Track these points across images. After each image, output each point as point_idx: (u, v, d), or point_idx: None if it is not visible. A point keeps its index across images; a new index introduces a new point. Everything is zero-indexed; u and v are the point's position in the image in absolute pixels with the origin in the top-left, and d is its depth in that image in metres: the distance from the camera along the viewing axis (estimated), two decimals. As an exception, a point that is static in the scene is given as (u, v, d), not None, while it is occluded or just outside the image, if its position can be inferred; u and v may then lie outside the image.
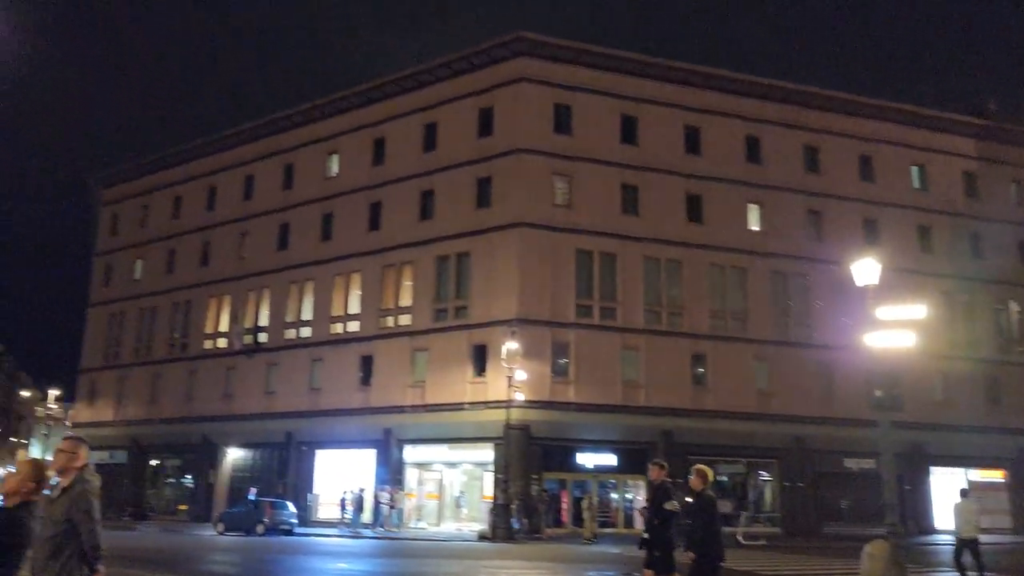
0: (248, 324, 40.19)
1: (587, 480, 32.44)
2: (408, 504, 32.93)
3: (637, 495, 32.48)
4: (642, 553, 9.26)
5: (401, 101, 37.32)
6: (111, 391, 45.95)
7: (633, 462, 31.53)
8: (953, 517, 15.51)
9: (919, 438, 33.63)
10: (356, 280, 37.13)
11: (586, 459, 32.48)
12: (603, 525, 30.66)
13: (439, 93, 36.19)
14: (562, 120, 34.30)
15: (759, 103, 36.83)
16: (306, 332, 38.25)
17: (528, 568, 18.92)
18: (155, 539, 27.85)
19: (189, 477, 41.88)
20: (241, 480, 38.82)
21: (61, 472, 5.05)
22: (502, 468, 29.69)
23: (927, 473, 35.51)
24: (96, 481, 5.10)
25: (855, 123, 38.07)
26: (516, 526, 28.29)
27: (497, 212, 33.39)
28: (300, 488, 35.63)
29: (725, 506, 28.82)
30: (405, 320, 35.13)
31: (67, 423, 52.53)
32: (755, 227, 35.93)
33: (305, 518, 33.45)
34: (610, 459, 32.64)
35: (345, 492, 32.92)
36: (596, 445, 32.47)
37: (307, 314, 38.50)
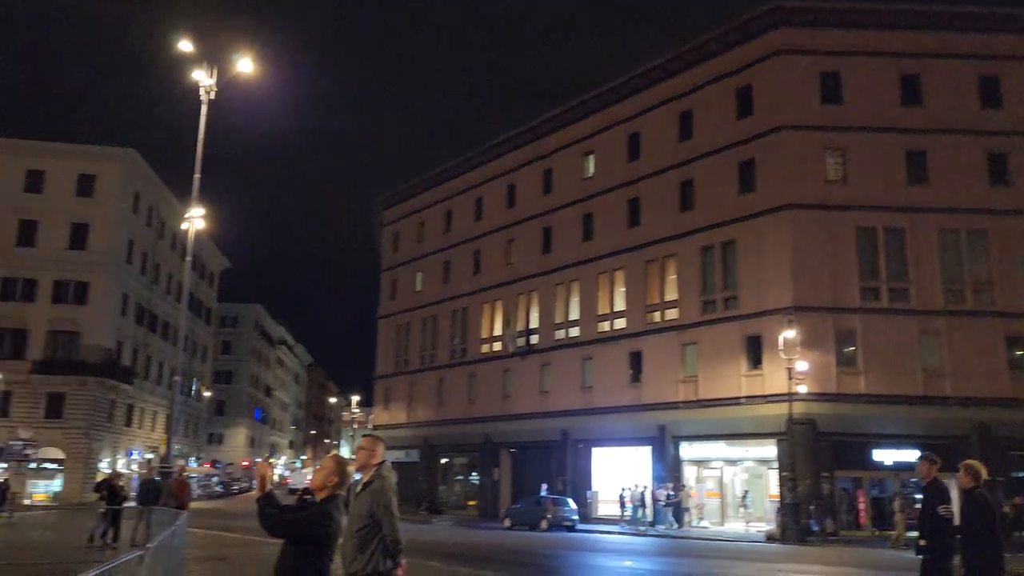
0: (520, 327, 41.76)
1: (886, 479, 29.47)
2: (691, 502, 32.06)
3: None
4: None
5: (654, 92, 36.71)
6: (403, 395, 50.12)
7: (941, 459, 28.00)
8: None
9: None
10: (620, 277, 37.06)
11: (884, 455, 29.47)
12: (909, 528, 27.57)
13: (692, 79, 35.07)
14: (829, 89, 31.64)
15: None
16: (575, 332, 38.87)
17: (831, 575, 17.37)
18: (449, 533, 29.62)
19: (475, 474, 44.32)
20: (521, 477, 40.29)
21: (362, 468, 5.29)
22: (787, 465, 27.94)
23: None
24: (393, 477, 5.26)
25: None
26: (815, 527, 26.37)
27: (762, 195, 31.58)
28: (579, 485, 36.15)
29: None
30: (672, 314, 34.38)
31: (369, 425, 58.10)
32: (1080, 184, 30.55)
33: (585, 515, 33.85)
34: (913, 455, 29.30)
35: (624, 489, 32.85)
36: (895, 440, 29.34)
37: (574, 314, 39.11)
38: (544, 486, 34.25)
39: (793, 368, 26.81)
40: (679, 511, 31.22)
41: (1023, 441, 27.29)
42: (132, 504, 19.25)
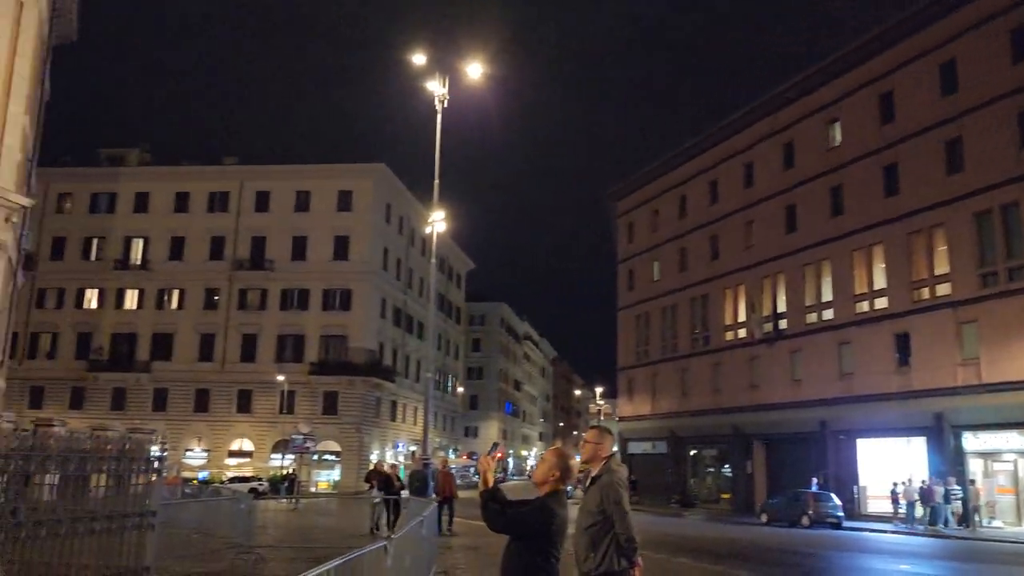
0: (766, 312, 39.61)
1: None
2: (980, 499, 28.40)
3: None
4: None
5: (910, 44, 32.92)
6: (646, 386, 49.59)
7: None
8: None
9: None
10: (878, 253, 33.75)
11: None
12: None
13: (956, 23, 30.98)
14: None
15: None
16: (828, 314, 36.04)
17: None
18: (700, 527, 28.70)
19: (727, 467, 42.71)
20: (777, 470, 38.15)
21: (589, 462, 5.11)
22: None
23: None
24: (622, 472, 5.06)
25: None
26: None
27: (1053, 146, 27.17)
28: (843, 479, 33.42)
29: None
30: (944, 290, 30.66)
31: (615, 417, 58.20)
32: None
33: (851, 511, 31.29)
34: None
35: (896, 484, 29.91)
36: None
37: (827, 295, 36.28)
38: (814, 480, 32.13)
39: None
40: (965, 509, 27.79)
41: None
42: (405, 494, 20.33)
